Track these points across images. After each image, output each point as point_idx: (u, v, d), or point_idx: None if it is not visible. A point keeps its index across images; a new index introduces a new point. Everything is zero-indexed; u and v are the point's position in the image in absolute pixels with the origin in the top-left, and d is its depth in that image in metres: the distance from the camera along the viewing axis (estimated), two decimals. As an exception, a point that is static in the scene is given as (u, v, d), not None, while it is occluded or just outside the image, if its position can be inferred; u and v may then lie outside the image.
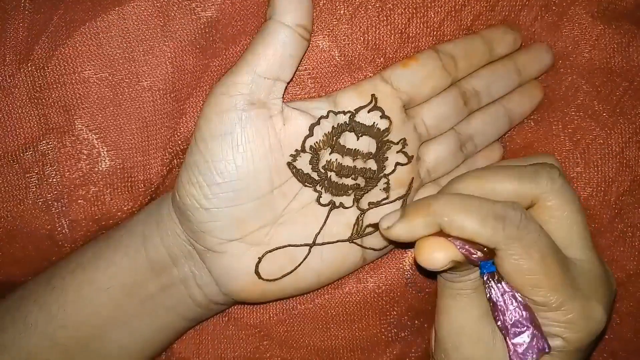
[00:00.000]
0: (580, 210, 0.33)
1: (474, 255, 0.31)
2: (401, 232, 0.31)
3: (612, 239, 0.41)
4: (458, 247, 0.31)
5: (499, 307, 0.32)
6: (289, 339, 0.41)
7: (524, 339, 0.31)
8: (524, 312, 0.31)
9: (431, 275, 0.40)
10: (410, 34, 0.38)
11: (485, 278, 0.32)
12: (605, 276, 0.33)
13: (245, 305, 0.42)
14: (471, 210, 0.30)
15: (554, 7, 0.41)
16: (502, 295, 0.32)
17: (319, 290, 0.41)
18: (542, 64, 0.41)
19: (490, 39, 0.39)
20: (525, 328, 0.31)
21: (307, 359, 0.42)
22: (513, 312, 0.32)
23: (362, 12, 0.38)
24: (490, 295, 0.32)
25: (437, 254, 0.31)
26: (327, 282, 0.39)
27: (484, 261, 0.31)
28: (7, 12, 0.37)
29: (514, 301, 0.32)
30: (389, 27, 0.38)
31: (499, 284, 0.32)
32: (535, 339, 0.31)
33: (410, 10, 0.38)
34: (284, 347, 0.42)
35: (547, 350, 0.31)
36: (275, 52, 0.33)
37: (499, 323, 0.32)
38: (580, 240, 0.33)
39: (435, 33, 0.39)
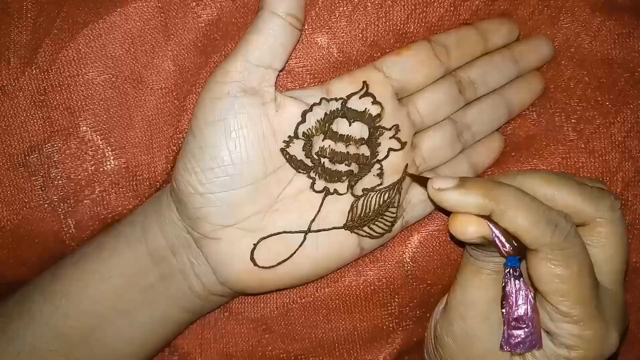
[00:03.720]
0: (625, 247, 0.34)
1: (504, 248, 0.32)
2: (451, 198, 0.32)
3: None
4: (493, 235, 0.32)
5: (509, 300, 0.33)
6: (290, 331, 0.42)
7: (520, 334, 0.33)
8: (530, 313, 0.33)
9: (459, 244, 0.40)
10: (409, 31, 0.39)
11: (506, 270, 0.33)
12: (624, 312, 0.34)
13: (247, 300, 0.42)
14: (528, 208, 0.31)
15: (553, 1, 0.41)
16: (516, 291, 0.33)
17: (319, 284, 0.41)
18: (540, 54, 0.41)
19: (484, 30, 0.39)
20: (525, 326, 0.33)
21: (309, 350, 0.42)
22: (520, 309, 0.33)
23: (361, 9, 0.38)
24: (505, 286, 0.33)
25: (470, 227, 0.32)
26: (325, 272, 0.39)
27: (511, 256, 0.32)
28: (10, 15, 0.38)
29: (525, 300, 0.33)
30: (387, 24, 0.38)
31: (516, 280, 0.33)
32: (530, 336, 0.33)
33: (409, 7, 0.38)
34: (285, 339, 0.42)
35: (537, 348, 0.33)
36: (267, 40, 0.34)
37: (503, 311, 0.33)
38: (614, 273, 0.34)
39: (433, 29, 0.39)
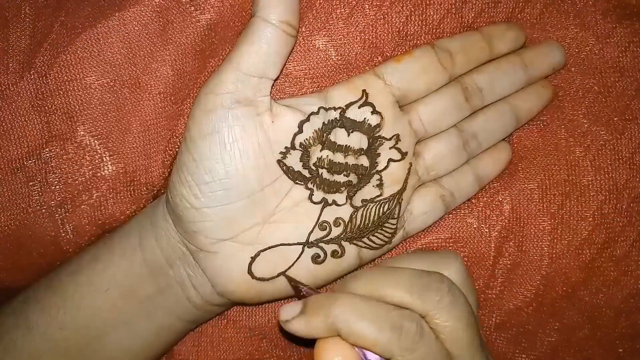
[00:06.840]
0: (470, 325, 0.31)
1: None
2: (299, 328, 0.31)
3: (626, 248, 0.40)
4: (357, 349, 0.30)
5: None
6: (287, 340, 0.41)
7: None
8: None
9: None
10: (409, 33, 0.38)
11: None
12: None
13: (244, 308, 0.41)
14: (369, 318, 0.29)
15: (561, 3, 0.40)
16: None
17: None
18: (552, 61, 0.40)
19: (490, 35, 0.38)
20: None
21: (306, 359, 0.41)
22: None
23: (359, 11, 0.37)
24: None
25: None
26: (324, 283, 0.38)
27: None
28: (9, 20, 0.38)
29: None
30: (386, 25, 0.38)
31: None
32: None
33: (408, 8, 0.38)
34: (283, 348, 0.41)
35: None
36: (260, 50, 0.33)
37: None
38: (466, 356, 0.31)
39: (434, 31, 0.38)
